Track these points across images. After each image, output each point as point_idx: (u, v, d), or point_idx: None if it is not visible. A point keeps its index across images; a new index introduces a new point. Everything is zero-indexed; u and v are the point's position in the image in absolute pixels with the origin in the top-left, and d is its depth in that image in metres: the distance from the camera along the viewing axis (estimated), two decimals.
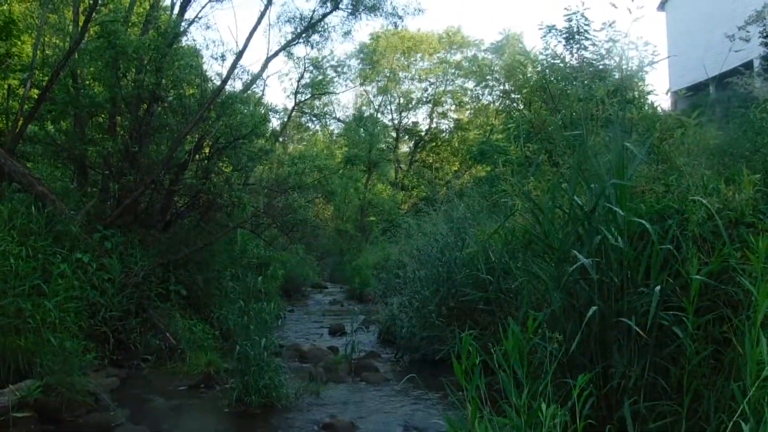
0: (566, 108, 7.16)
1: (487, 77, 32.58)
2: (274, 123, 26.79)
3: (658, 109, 7.39)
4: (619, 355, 3.80)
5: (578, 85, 9.17)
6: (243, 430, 6.50)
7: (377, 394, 8.14)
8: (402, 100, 37.00)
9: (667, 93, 13.17)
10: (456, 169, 35.33)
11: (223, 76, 10.93)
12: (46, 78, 10.20)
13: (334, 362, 9.38)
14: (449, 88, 36.60)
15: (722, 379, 3.61)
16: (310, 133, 37.46)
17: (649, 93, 9.42)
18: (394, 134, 36.84)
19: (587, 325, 3.74)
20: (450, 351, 9.40)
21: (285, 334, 12.30)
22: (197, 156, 11.65)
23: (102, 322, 8.76)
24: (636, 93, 8.76)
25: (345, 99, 49.34)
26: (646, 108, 7.00)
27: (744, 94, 10.70)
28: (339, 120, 37.26)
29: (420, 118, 37.99)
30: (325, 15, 14.24)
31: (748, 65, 13.19)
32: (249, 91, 14.35)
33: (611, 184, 3.94)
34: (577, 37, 12.11)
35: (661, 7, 21.88)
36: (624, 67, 8.18)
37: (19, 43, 12.91)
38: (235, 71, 11.60)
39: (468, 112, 36.84)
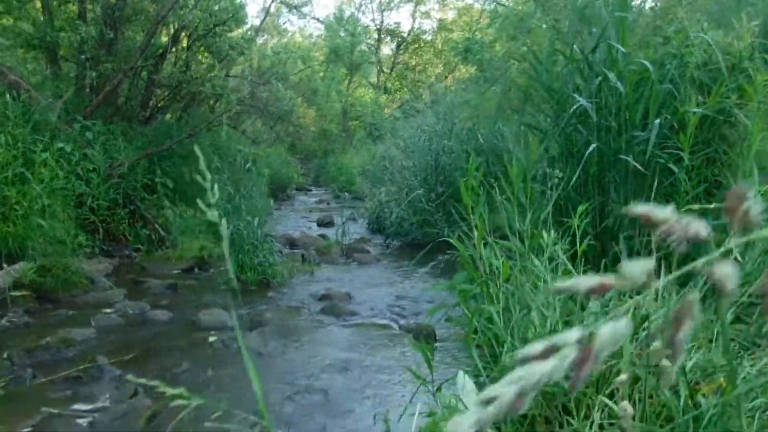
0: None
1: None
2: (253, 19, 25.95)
3: None
4: (616, 194, 3.85)
5: None
6: (240, 302, 6.57)
7: (369, 272, 8.26)
8: None
9: None
10: (439, 71, 34.79)
11: None
12: None
13: (326, 246, 9.48)
14: None
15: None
16: (290, 34, 36.51)
17: None
18: (375, 35, 36.00)
19: (585, 168, 3.77)
20: (439, 234, 9.56)
21: (273, 227, 12.35)
22: (177, 47, 11.33)
23: (90, 212, 8.71)
24: None
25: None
26: None
27: None
28: (318, 20, 36.27)
29: (402, 18, 37.08)
30: None
31: None
32: None
33: (615, 16, 3.87)
34: None
35: None
36: None
37: None
38: None
39: (452, 11, 35.96)
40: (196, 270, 8.34)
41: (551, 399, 2.35)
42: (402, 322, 5.96)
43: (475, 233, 2.89)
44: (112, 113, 10.59)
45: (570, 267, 2.95)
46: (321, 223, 12.63)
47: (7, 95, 8.23)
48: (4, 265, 6.52)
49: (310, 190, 23.92)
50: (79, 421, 3.87)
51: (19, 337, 5.46)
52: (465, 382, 2.54)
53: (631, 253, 3.58)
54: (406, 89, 32.95)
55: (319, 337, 5.63)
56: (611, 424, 2.05)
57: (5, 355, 4.90)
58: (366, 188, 16.46)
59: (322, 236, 10.64)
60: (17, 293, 6.33)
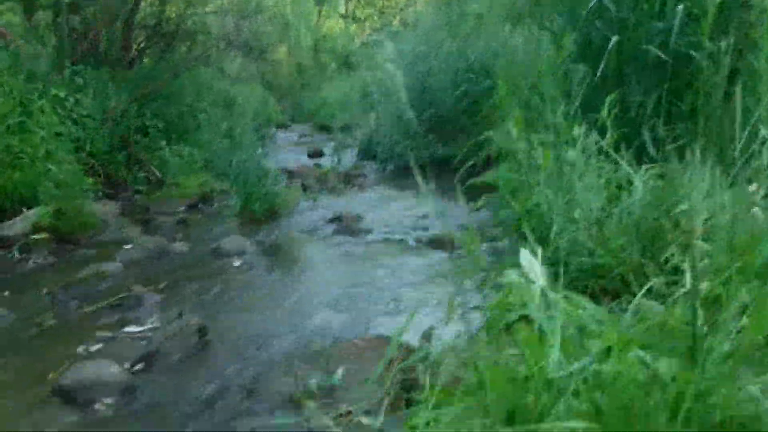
0: None
1: None
2: None
3: None
4: (638, 86, 4.05)
5: None
6: (253, 231, 6.75)
7: (371, 194, 8.49)
8: None
9: None
10: None
11: None
12: None
13: (323, 174, 9.64)
14: None
15: (731, 109, 3.86)
16: None
17: None
18: None
19: (605, 63, 3.94)
20: (433, 155, 9.75)
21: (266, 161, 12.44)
22: None
23: (90, 155, 8.75)
24: None
25: None
26: None
27: None
28: None
29: None
30: None
31: None
32: None
33: None
34: None
35: None
36: None
37: None
38: None
39: None
40: (199, 206, 8.49)
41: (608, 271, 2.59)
42: (415, 235, 6.19)
43: (513, 128, 3.08)
44: (96, 59, 10.48)
45: (601, 157, 3.17)
46: (312, 155, 12.73)
47: None
48: (24, 210, 6.62)
49: (290, 126, 23.80)
50: (136, 341, 4.08)
51: (49, 275, 5.63)
52: (529, 258, 2.71)
53: (654, 142, 3.76)
54: (375, 17, 32.50)
55: (338, 254, 5.87)
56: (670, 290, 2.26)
57: (44, 291, 5.09)
58: (348, 119, 16.53)
59: (317, 166, 10.78)
60: (37, 236, 6.45)
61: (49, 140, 7.67)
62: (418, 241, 6.00)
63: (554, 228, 2.96)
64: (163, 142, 9.85)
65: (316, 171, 10.16)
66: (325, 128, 19.95)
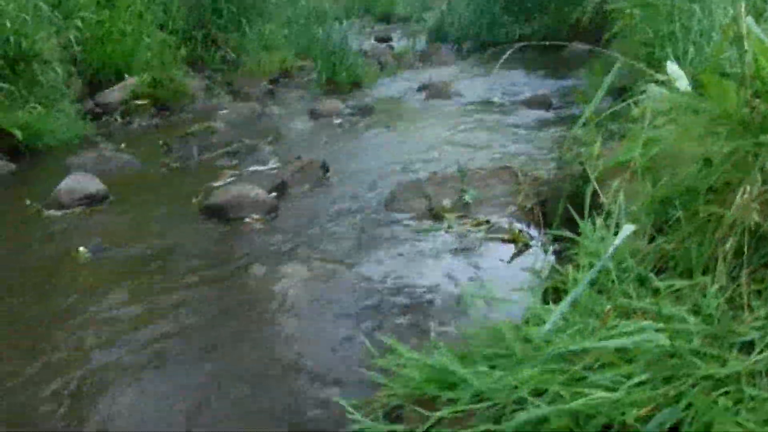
0: None
1: None
2: None
3: None
4: None
5: None
6: (342, 99, 6.87)
7: (452, 69, 8.52)
8: None
9: None
10: None
11: None
12: None
13: (399, 53, 9.65)
14: None
15: None
16: None
17: None
18: None
19: None
20: (509, 34, 9.64)
21: None
22: None
23: (171, 34, 8.90)
24: None
25: None
26: None
27: None
28: None
29: None
30: None
31: None
32: None
33: None
34: None
35: None
36: None
37: None
38: None
39: None
40: (280, 80, 8.62)
41: None
42: (507, 98, 6.26)
43: None
44: None
45: None
46: (379, 39, 12.67)
47: None
48: (127, 77, 6.86)
49: (348, 19, 23.43)
50: (263, 176, 4.31)
51: (156, 133, 5.91)
52: (674, 68, 2.79)
53: None
54: None
55: (434, 113, 6.01)
56: None
57: (160, 143, 5.36)
58: (410, 9, 16.39)
59: (390, 48, 10.77)
60: (138, 102, 6.72)
61: (134, 18, 7.82)
62: (512, 102, 6.07)
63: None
64: (243, 20, 9.90)
65: (391, 51, 10.15)
66: (383, 20, 19.70)
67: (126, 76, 7.10)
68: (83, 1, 6.86)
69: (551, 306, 1.65)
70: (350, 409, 1.73)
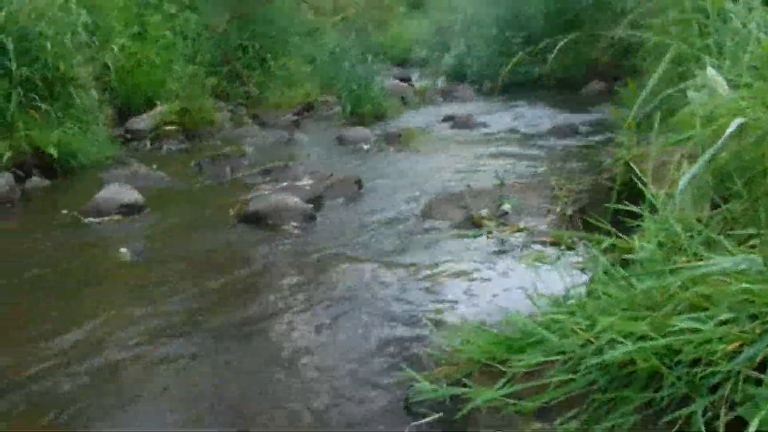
0: None
1: None
2: None
3: None
4: None
5: None
6: (365, 127, 6.94)
7: (473, 105, 8.65)
8: None
9: None
10: None
11: None
12: None
13: (420, 90, 9.81)
14: None
15: None
16: None
17: None
18: None
19: None
20: (528, 73, 9.79)
21: None
22: None
23: (200, 65, 9.11)
24: None
25: None
26: None
27: None
28: None
29: None
30: None
31: None
32: None
33: None
34: None
35: None
36: None
37: None
38: None
39: None
40: (304, 113, 8.75)
41: None
42: (532, 128, 6.34)
43: None
44: None
45: None
46: (399, 78, 12.86)
47: None
48: (158, 105, 7.01)
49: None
50: (294, 193, 4.36)
51: (186, 155, 6.04)
52: (713, 72, 2.85)
53: None
54: None
55: (460, 140, 6.09)
56: None
57: (191, 163, 5.44)
58: (428, 52, 16.73)
59: (411, 85, 10.95)
60: (168, 128, 6.84)
61: (163, 51, 8.03)
62: (538, 132, 6.15)
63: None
64: (268, 56, 10.14)
65: (412, 88, 10.33)
66: (399, 63, 20.05)
67: (157, 103, 7.25)
68: (119, 30, 7.05)
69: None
70: (419, 378, 1.75)
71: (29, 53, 5.39)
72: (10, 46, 5.09)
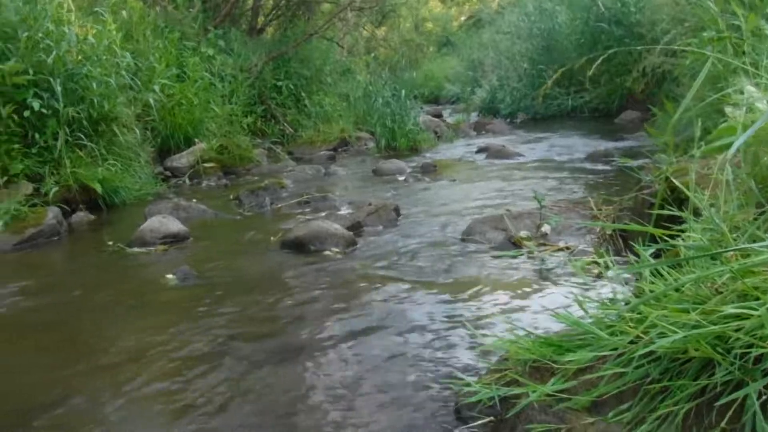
0: None
1: None
2: None
3: None
4: None
5: None
6: (400, 160, 7.04)
7: (508, 137, 8.68)
8: None
9: None
10: None
11: None
12: None
13: (454, 124, 9.90)
14: None
15: None
16: None
17: None
18: None
19: None
20: (561, 106, 9.82)
21: None
22: None
23: (236, 105, 9.34)
24: None
25: None
26: None
27: None
28: None
29: None
30: None
31: None
32: None
33: None
34: None
35: None
36: None
37: None
38: None
39: None
40: (340, 149, 8.89)
41: None
42: (567, 157, 6.35)
43: None
44: (231, 24, 11.14)
45: None
46: (432, 114, 13.00)
47: (151, 10, 8.84)
48: (196, 141, 7.19)
49: None
50: (334, 221, 4.43)
51: (225, 190, 6.16)
52: (752, 90, 2.86)
53: None
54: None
55: (496, 170, 6.11)
56: None
57: (231, 197, 5.56)
58: (459, 90, 16.93)
59: (444, 121, 11.05)
60: (207, 165, 7.01)
61: (201, 91, 8.27)
62: (574, 159, 6.16)
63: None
64: (303, 94, 10.36)
65: (445, 123, 10.43)
66: (432, 100, 20.28)
67: (196, 140, 7.44)
68: (159, 71, 7.28)
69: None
70: (470, 382, 1.77)
71: (75, 93, 5.60)
72: (59, 87, 5.30)
